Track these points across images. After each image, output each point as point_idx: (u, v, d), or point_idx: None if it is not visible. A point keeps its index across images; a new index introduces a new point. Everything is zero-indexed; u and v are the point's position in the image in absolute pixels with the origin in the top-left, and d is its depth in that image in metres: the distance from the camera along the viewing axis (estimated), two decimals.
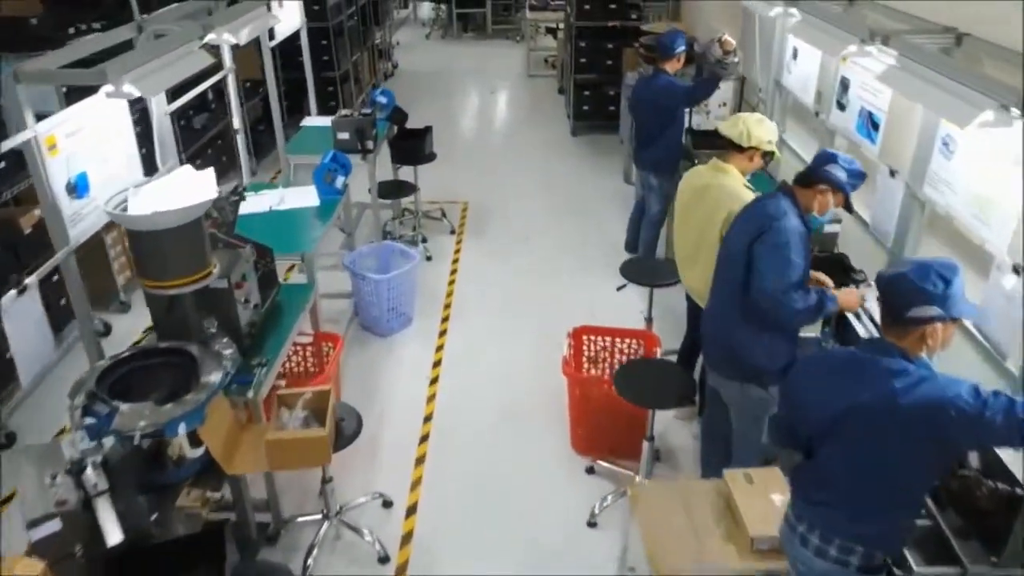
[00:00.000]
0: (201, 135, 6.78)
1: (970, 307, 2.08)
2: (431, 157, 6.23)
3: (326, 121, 5.87)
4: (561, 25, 10.96)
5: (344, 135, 5.30)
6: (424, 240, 6.27)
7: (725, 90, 5.80)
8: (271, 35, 5.37)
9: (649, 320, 4.50)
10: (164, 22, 3.57)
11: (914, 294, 1.99)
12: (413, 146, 6.01)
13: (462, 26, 14.27)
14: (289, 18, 5.69)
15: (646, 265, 4.41)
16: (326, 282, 5.33)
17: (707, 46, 5.09)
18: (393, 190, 5.92)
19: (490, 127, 9.29)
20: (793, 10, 3.97)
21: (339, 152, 4.80)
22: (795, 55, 4.75)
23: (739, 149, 3.46)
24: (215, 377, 2.94)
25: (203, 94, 6.90)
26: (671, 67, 5.19)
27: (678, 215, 3.77)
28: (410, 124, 6.43)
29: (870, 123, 3.72)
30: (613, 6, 8.30)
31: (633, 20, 8.33)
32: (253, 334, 3.43)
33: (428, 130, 6.23)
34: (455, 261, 6.03)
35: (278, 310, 3.75)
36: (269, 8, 4.76)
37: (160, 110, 3.95)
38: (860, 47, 3.22)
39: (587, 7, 8.25)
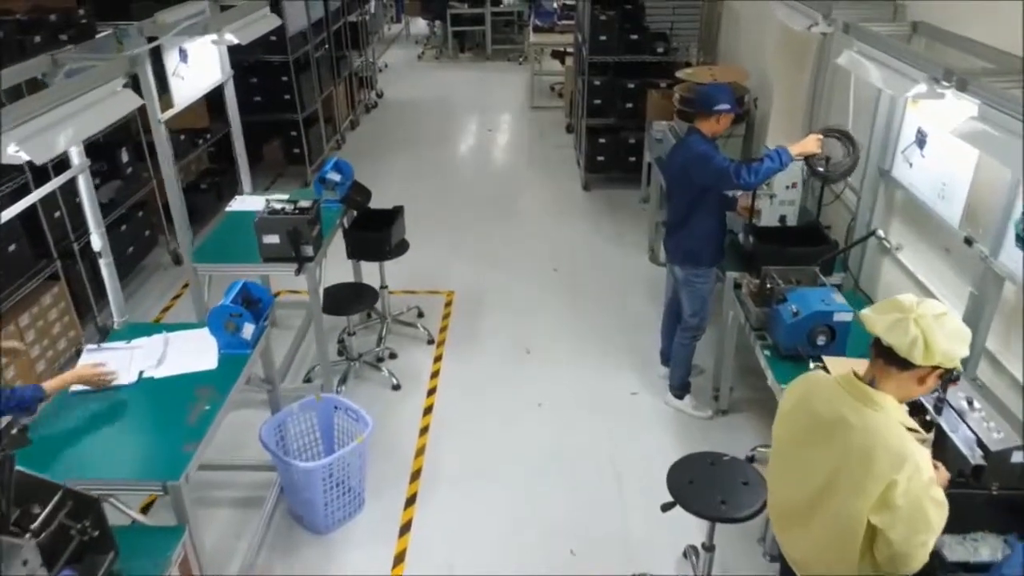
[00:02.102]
0: (110, 209, 5.28)
1: None
2: (401, 248, 4.72)
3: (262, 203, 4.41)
4: (569, 49, 9.49)
5: (271, 239, 3.80)
6: (393, 356, 4.77)
7: (795, 168, 4.27)
8: (167, 103, 3.88)
9: (709, 547, 2.99)
10: None
11: None
12: (377, 239, 4.50)
13: (459, 45, 12.77)
14: (201, 76, 4.18)
15: (704, 474, 2.90)
16: (244, 432, 3.84)
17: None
18: (346, 301, 4.39)
19: (486, 178, 7.78)
20: (961, 98, 2.44)
21: (251, 284, 3.29)
22: (922, 142, 3.24)
23: (903, 365, 1.94)
24: None
25: (112, 154, 5.46)
26: (707, 128, 3.80)
27: (780, 448, 2.25)
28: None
29: None
30: (634, 37, 6.80)
31: (659, 55, 6.84)
32: None
33: (398, 213, 4.73)
34: (431, 392, 4.51)
35: None
36: (138, 83, 3.23)
37: None
38: None
39: (603, 38, 6.75)
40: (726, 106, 3.76)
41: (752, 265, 3.94)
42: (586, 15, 6.80)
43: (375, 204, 5.01)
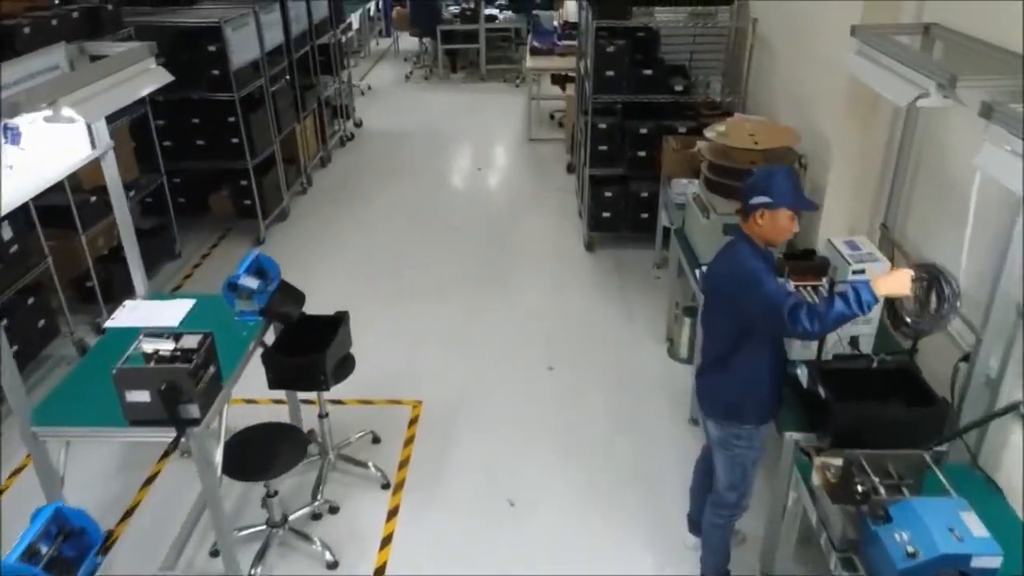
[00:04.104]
0: None
1: None
2: (344, 371, 3.57)
3: (156, 321, 3.32)
4: (571, 73, 8.33)
5: (138, 397, 2.66)
6: (333, 510, 3.63)
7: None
8: None
9: None
10: None
11: None
12: (307, 366, 3.35)
13: (450, 64, 11.63)
14: (52, 159, 2.98)
15: None
16: None
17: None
18: (260, 457, 3.21)
19: (471, 233, 6.57)
20: None
21: (70, 510, 2.14)
22: None
23: None
24: None
25: None
26: (749, 229, 2.71)
27: None
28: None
29: None
30: (648, 72, 5.66)
31: (677, 93, 5.69)
32: None
33: (340, 323, 3.57)
34: (380, 572, 3.36)
35: None
36: None
37: None
38: None
39: (610, 74, 5.61)
40: (763, 199, 2.63)
41: (821, 420, 2.81)
42: (590, 45, 5.66)
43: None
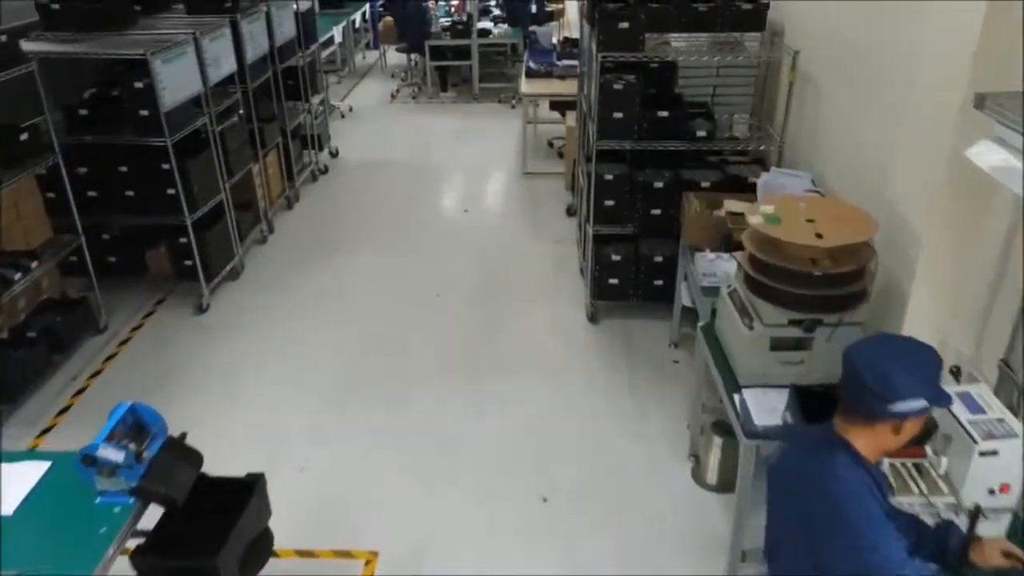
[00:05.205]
0: None
1: None
2: (256, 557, 2.59)
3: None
4: (572, 98, 7.34)
5: None
6: None
7: (1008, 458, 2.16)
8: None
9: None
10: None
11: None
12: (196, 571, 2.37)
13: (440, 82, 10.64)
14: None
15: None
16: None
17: None
18: None
19: (450, 298, 5.49)
20: None
21: None
22: None
23: None
24: None
25: None
26: (870, 439, 1.78)
27: None
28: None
29: None
30: (663, 114, 4.67)
31: (700, 140, 4.72)
32: None
33: (254, 490, 2.59)
34: None
35: None
36: None
37: None
38: None
39: (617, 116, 4.63)
40: (920, 404, 1.67)
41: None
42: (593, 80, 4.69)
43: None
